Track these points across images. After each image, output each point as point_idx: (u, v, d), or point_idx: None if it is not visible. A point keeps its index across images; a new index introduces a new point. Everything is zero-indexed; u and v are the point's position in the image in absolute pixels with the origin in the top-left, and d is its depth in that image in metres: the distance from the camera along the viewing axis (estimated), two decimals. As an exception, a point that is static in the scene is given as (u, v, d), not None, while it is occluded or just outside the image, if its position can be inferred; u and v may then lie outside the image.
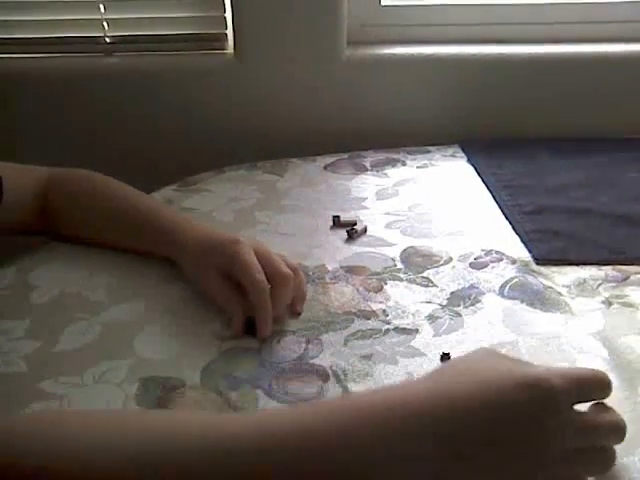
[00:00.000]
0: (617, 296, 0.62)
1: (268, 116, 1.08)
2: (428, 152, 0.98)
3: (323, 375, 0.52)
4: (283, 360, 0.54)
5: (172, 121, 1.09)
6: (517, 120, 1.08)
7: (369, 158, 0.97)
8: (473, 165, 0.93)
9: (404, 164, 0.95)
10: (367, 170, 0.93)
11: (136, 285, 0.64)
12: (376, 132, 1.06)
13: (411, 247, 0.71)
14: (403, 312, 0.60)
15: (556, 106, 1.08)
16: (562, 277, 0.65)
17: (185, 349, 0.55)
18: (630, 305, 0.60)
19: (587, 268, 0.67)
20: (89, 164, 0.73)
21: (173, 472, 0.34)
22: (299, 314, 0.59)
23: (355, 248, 0.71)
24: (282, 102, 1.07)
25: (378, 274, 0.66)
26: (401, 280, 0.65)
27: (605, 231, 0.74)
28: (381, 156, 0.97)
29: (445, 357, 0.53)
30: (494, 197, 0.83)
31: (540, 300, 0.61)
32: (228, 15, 1.03)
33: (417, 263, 0.68)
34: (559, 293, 0.62)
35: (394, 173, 0.92)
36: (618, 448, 0.39)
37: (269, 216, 0.79)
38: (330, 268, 0.67)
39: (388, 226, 0.76)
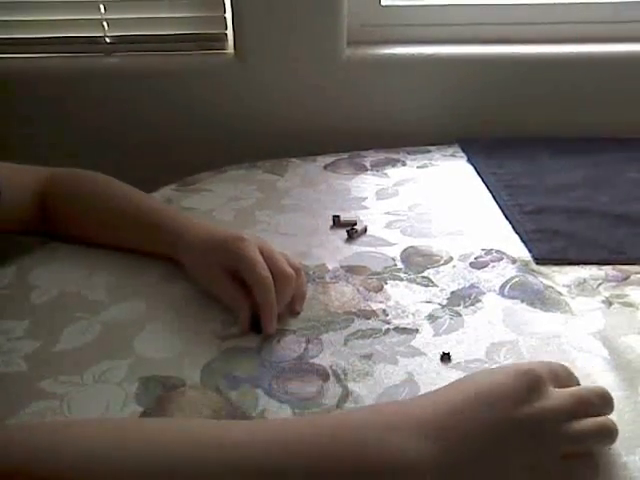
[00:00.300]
0: (617, 296, 0.62)
1: (268, 116, 1.08)
2: (428, 152, 0.98)
3: (323, 375, 0.52)
4: (283, 360, 0.54)
5: (172, 121, 1.09)
6: (517, 120, 1.08)
7: (369, 158, 0.97)
8: (473, 165, 0.93)
9: (404, 164, 0.95)
10: (367, 170, 0.93)
11: (136, 284, 0.64)
12: (376, 132, 1.06)
13: (411, 247, 0.71)
14: (403, 312, 0.60)
15: (556, 106, 1.08)
16: (562, 277, 0.65)
17: (185, 348, 0.55)
18: (630, 305, 0.60)
19: (587, 268, 0.67)
20: (89, 164, 0.72)
21: None
22: (298, 313, 0.59)
23: (355, 248, 0.71)
24: (282, 102, 1.07)
25: (378, 274, 0.66)
26: (401, 280, 0.65)
27: (605, 231, 0.74)
28: (381, 156, 0.97)
29: (445, 357, 0.53)
30: (494, 197, 0.83)
31: (540, 300, 0.61)
32: (228, 15, 1.03)
33: (417, 263, 0.68)
34: (559, 293, 0.62)
35: (394, 173, 0.92)
36: (618, 448, 0.39)
37: (269, 216, 0.79)
38: (330, 268, 0.67)
39: (388, 226, 0.76)
